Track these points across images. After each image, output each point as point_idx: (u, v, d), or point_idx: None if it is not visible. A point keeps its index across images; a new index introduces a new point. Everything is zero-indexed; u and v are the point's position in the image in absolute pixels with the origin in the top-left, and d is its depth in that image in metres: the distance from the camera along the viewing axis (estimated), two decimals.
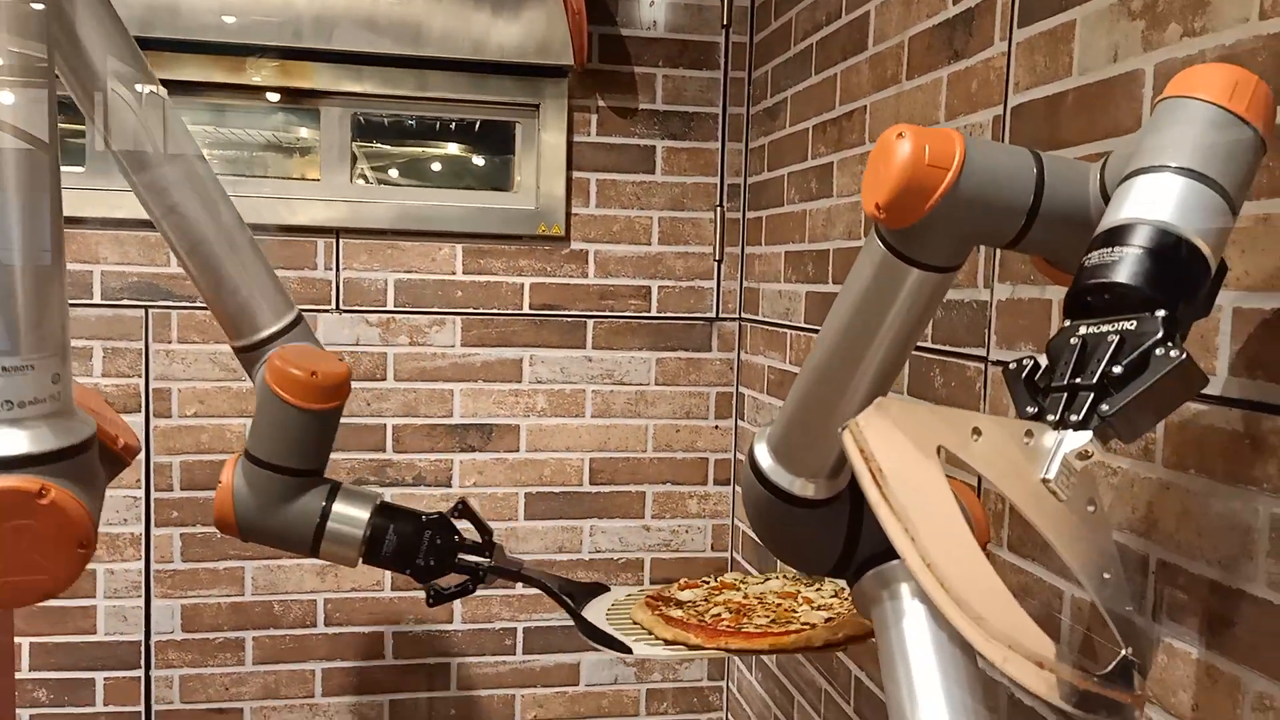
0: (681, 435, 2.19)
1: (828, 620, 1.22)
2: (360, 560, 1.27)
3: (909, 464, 0.58)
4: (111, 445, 1.02)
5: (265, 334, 1.22)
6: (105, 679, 2.00)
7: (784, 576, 1.43)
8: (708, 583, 1.41)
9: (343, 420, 2.02)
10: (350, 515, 1.24)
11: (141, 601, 1.99)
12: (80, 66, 1.11)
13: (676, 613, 1.25)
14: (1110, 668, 0.66)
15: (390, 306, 2.05)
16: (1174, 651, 0.92)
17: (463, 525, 1.29)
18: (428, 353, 2.07)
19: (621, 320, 2.14)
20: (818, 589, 1.36)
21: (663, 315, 2.16)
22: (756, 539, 1.09)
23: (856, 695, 1.61)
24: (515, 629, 2.16)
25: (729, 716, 2.26)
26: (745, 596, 1.34)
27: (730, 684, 2.25)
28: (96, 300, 1.95)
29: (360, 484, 2.06)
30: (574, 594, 1.36)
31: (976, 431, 0.60)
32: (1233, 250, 0.85)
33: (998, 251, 1.24)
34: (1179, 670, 0.91)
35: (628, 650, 1.17)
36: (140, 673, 2.01)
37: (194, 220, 1.19)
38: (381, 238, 2.04)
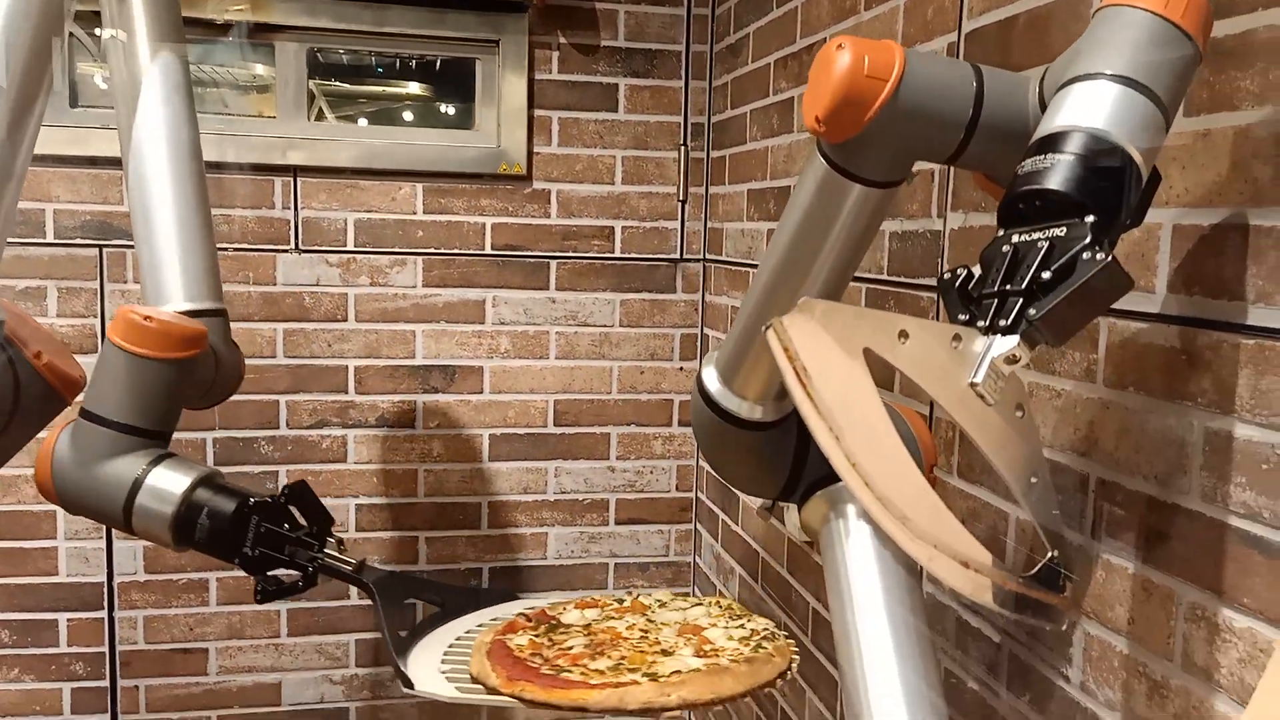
0: (646, 377, 2.19)
1: (692, 670, 1.03)
2: (174, 543, 1.12)
3: (834, 364, 0.58)
4: (37, 363, 0.99)
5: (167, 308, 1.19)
6: (68, 620, 1.99)
7: (716, 604, 1.23)
8: (608, 606, 1.22)
9: (305, 362, 2.01)
10: (164, 489, 1.10)
11: (103, 543, 1.99)
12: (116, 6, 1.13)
13: (521, 641, 1.09)
14: (1036, 570, 0.67)
15: (350, 247, 2.03)
16: (1111, 567, 0.93)
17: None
18: (389, 293, 2.06)
19: (585, 261, 2.13)
20: (732, 627, 1.17)
21: (626, 256, 2.15)
22: (712, 470, 1.09)
23: (815, 628, 1.63)
24: (481, 569, 2.17)
25: (697, 562, 2.29)
26: (640, 625, 1.16)
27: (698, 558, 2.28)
28: (49, 239, 1.91)
29: (321, 426, 2.06)
30: (447, 603, 1.24)
31: (904, 334, 0.60)
32: (1173, 167, 0.85)
33: (950, 180, 1.24)
34: (1116, 585, 0.93)
35: (408, 685, 1.03)
36: (104, 614, 2.01)
37: (153, 177, 1.17)
38: (340, 177, 2.01)
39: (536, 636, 1.12)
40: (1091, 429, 0.96)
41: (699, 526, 2.25)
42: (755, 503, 1.88)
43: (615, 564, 2.24)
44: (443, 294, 2.07)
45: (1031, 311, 0.61)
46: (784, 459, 1.01)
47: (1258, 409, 0.77)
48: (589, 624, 1.16)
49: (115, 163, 1.60)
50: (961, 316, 0.65)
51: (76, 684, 2.01)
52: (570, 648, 1.09)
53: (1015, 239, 0.66)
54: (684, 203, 2.15)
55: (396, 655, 1.11)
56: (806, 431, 1.03)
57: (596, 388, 2.17)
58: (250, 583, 1.06)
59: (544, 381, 2.14)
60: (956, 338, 0.62)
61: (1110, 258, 0.61)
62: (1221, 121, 0.81)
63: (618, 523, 2.23)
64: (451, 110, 2.18)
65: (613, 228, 2.13)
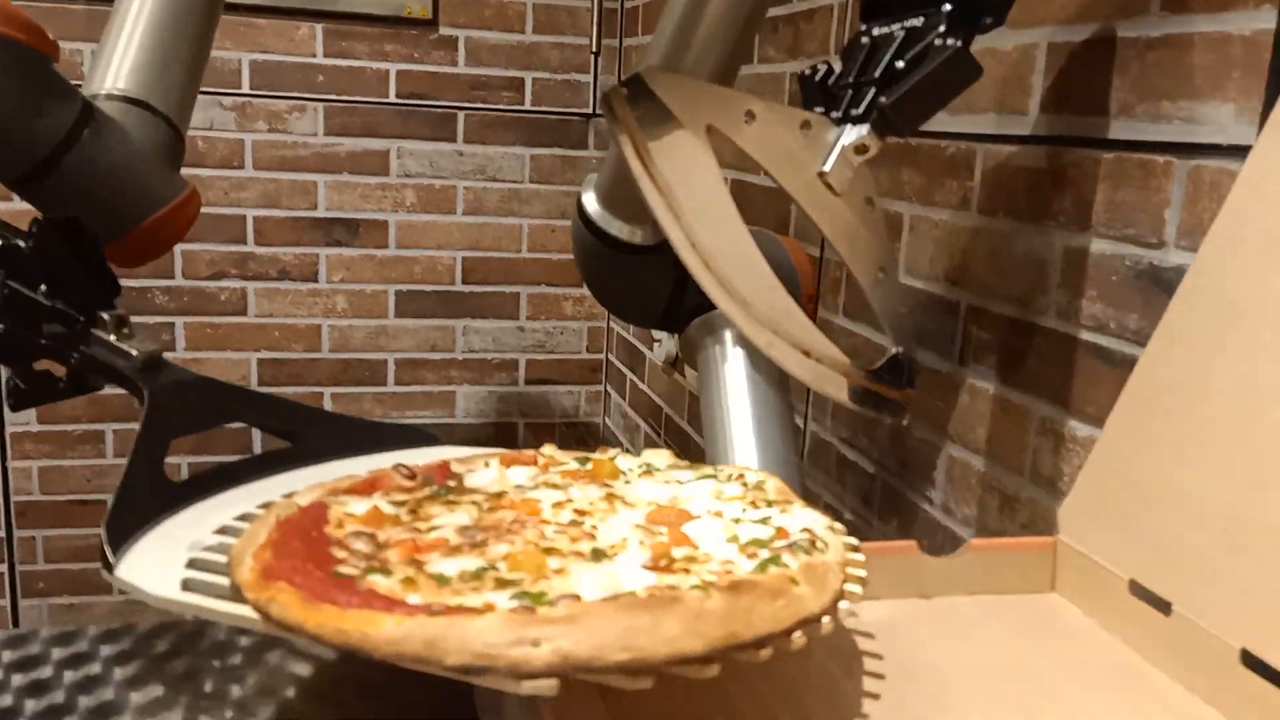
0: (557, 236, 2.16)
1: (605, 598, 0.42)
2: None
3: (676, 139, 0.57)
4: None
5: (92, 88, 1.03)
6: None
7: (740, 480, 0.60)
8: (556, 465, 0.62)
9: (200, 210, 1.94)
10: None
11: None
12: None
13: (356, 509, 0.51)
14: (880, 365, 0.68)
15: (246, 89, 1.94)
16: (975, 390, 0.96)
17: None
18: (288, 141, 1.98)
19: (494, 113, 2.07)
20: (749, 520, 0.54)
21: (537, 110, 2.09)
22: (595, 298, 1.08)
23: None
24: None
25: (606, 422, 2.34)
26: (585, 502, 0.56)
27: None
28: None
29: (219, 278, 2.00)
30: (300, 435, 0.69)
31: (750, 115, 0.59)
32: None
33: (849, 13, 1.21)
34: (979, 407, 0.95)
35: (107, 564, 0.51)
36: None
37: None
38: (234, 13, 1.91)
39: (394, 503, 0.54)
40: (965, 257, 0.97)
41: (609, 388, 2.26)
42: (660, 360, 1.89)
43: (525, 424, 2.25)
44: (345, 143, 2.01)
45: (882, 100, 0.61)
46: (664, 284, 1.00)
47: (1111, 222, 0.78)
48: (501, 493, 0.58)
49: None
50: (818, 109, 0.64)
51: None
52: (434, 528, 0.51)
53: (875, 32, 0.65)
54: (597, 55, 2.09)
55: (124, 510, 0.55)
56: None
57: (506, 246, 2.14)
58: None
59: (451, 238, 2.10)
60: (806, 124, 0.61)
61: (959, 43, 0.60)
62: None
63: (527, 383, 2.23)
64: None
65: (523, 79, 2.07)
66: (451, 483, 0.56)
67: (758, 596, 0.40)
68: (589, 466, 0.58)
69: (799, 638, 0.39)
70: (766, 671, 0.46)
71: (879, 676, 0.51)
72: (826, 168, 0.61)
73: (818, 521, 0.50)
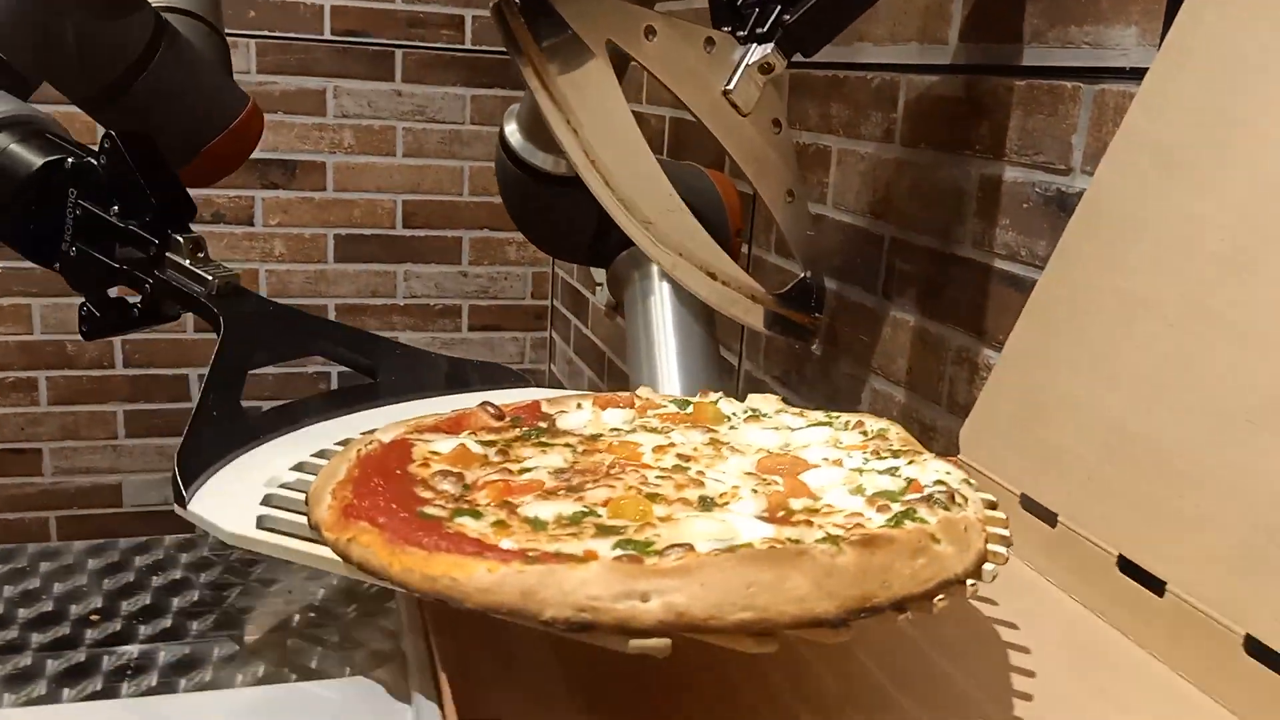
0: None
1: (720, 550, 0.36)
2: None
3: (573, 53, 0.56)
4: None
5: None
6: None
7: (859, 428, 0.54)
8: (655, 409, 0.57)
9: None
10: None
11: None
12: None
13: (441, 447, 0.48)
14: (788, 289, 0.68)
15: None
16: (897, 322, 0.97)
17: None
18: None
19: (433, 52, 2.03)
20: (872, 470, 0.48)
21: (478, 49, 2.06)
22: (521, 231, 1.07)
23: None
24: (328, 373, 2.14)
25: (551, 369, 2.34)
26: (688, 447, 0.51)
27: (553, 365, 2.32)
28: None
29: None
30: (384, 371, 0.66)
31: (651, 30, 0.58)
32: None
33: None
34: (900, 339, 0.96)
35: (180, 498, 0.49)
36: None
37: None
38: None
39: (482, 443, 0.50)
40: (888, 190, 0.98)
41: (554, 334, 2.26)
42: (603, 303, 1.89)
43: None
44: (279, 81, 1.96)
45: (786, 17, 0.60)
46: (590, 217, 0.99)
47: (1023, 150, 0.79)
48: (597, 435, 0.53)
49: None
50: (724, 29, 0.63)
51: None
52: (527, 470, 0.47)
53: None
54: None
55: (198, 443, 0.52)
56: None
57: (447, 189, 2.11)
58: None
59: (391, 180, 2.07)
60: (710, 41, 0.61)
61: None
62: None
63: (471, 329, 2.22)
64: None
65: (463, 17, 2.03)
66: (543, 424, 0.52)
67: (895, 553, 0.35)
68: (689, 410, 0.54)
69: (941, 601, 0.35)
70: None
71: None
72: (731, 86, 0.60)
73: (953, 474, 0.45)
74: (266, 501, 0.45)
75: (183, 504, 0.47)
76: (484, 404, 0.52)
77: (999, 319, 0.82)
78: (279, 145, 1.98)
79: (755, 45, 0.61)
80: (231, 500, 0.46)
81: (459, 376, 0.68)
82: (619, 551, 0.34)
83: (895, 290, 0.97)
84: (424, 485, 0.41)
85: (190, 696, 0.42)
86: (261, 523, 0.43)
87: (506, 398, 0.55)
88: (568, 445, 0.49)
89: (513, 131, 0.98)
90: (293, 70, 1.96)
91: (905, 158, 0.95)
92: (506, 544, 0.35)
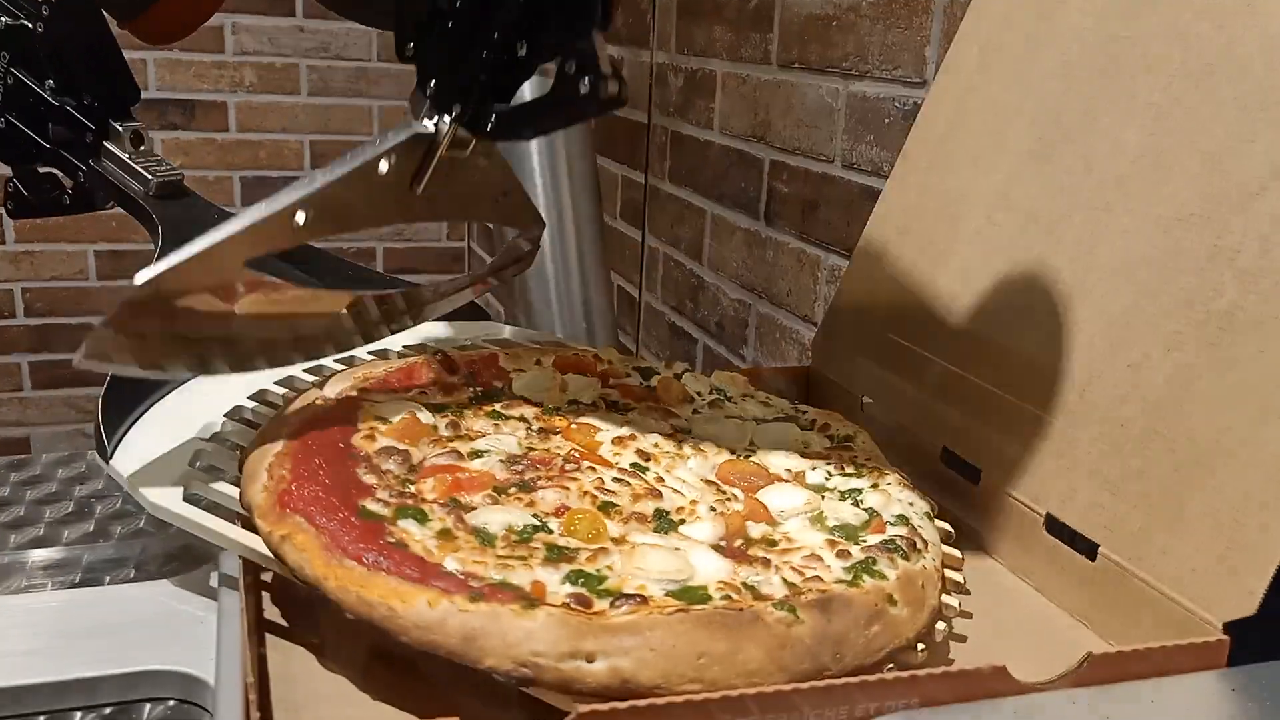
0: None
1: (673, 606, 0.34)
2: None
3: None
4: None
5: None
6: None
7: (823, 429, 0.52)
8: (615, 373, 0.54)
9: None
10: None
11: None
12: None
13: (392, 413, 0.44)
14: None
15: None
16: (778, 245, 0.98)
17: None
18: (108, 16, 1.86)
19: None
20: (834, 496, 0.45)
21: None
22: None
23: None
24: None
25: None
26: (648, 442, 0.47)
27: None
28: None
29: None
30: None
31: None
32: None
33: None
34: (782, 261, 0.97)
35: (103, 450, 0.45)
36: None
37: None
38: None
39: (432, 407, 0.45)
40: (767, 112, 0.98)
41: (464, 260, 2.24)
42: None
43: None
44: None
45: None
46: None
47: (884, 65, 0.79)
48: (555, 409, 0.49)
49: None
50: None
51: None
52: (477, 453, 0.43)
53: None
54: None
55: (124, 382, 0.48)
56: None
57: (356, 128, 2.07)
58: None
59: (296, 120, 2.02)
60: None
61: None
62: None
63: (387, 272, 2.19)
64: None
65: None
66: (498, 384, 0.49)
67: (851, 622, 0.34)
68: (653, 384, 0.52)
69: (889, 672, 0.33)
70: None
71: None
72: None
73: (916, 506, 0.43)
74: (197, 461, 0.41)
75: (105, 456, 0.43)
76: (438, 354, 0.48)
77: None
78: (176, 84, 1.92)
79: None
80: (160, 456, 0.42)
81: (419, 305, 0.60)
82: (569, 588, 0.33)
83: (777, 214, 0.98)
84: (367, 466, 0.39)
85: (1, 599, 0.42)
86: (189, 490, 0.40)
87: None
88: (523, 420, 0.46)
89: None
90: None
91: (782, 79, 0.95)
92: (450, 564, 0.33)
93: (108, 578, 0.46)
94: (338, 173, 0.39)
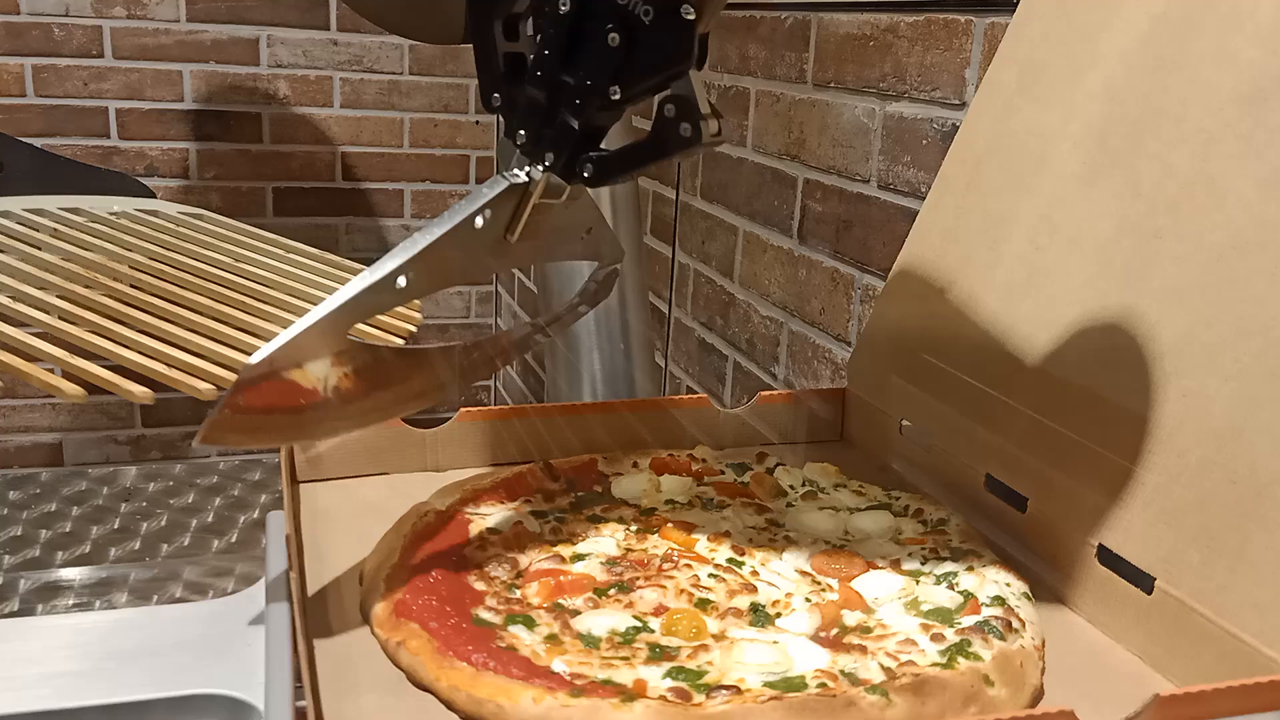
0: (440, 130, 2.11)
1: (768, 695, 0.35)
2: None
3: None
4: None
5: None
6: None
7: (917, 514, 0.52)
8: (712, 475, 0.56)
9: (59, 103, 1.85)
10: None
11: None
12: None
13: (497, 519, 0.48)
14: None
15: None
16: (811, 264, 0.97)
17: None
18: (149, 28, 1.89)
19: None
20: (930, 579, 0.45)
21: None
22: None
23: None
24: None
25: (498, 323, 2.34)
26: (744, 540, 0.48)
27: (498, 319, 2.32)
28: None
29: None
30: (10, 165, 0.64)
31: None
32: None
33: None
34: (814, 280, 0.97)
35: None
36: None
37: None
38: None
39: (536, 515, 0.49)
40: (802, 130, 0.98)
41: (499, 288, 2.25)
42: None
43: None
44: (210, 30, 1.92)
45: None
46: None
47: (922, 86, 0.79)
48: (652, 510, 0.51)
49: None
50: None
51: None
52: (579, 556, 0.46)
53: None
54: None
55: None
56: None
57: (386, 141, 2.08)
58: None
59: (329, 132, 2.04)
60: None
61: None
62: None
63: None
64: None
65: None
66: (598, 488, 0.53)
67: (946, 702, 0.33)
68: (746, 479, 0.55)
69: None
70: None
71: None
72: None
73: (1012, 587, 0.43)
74: None
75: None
76: (544, 464, 0.53)
77: None
78: (213, 97, 1.95)
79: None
80: None
81: (89, 180, 0.71)
82: (670, 683, 0.35)
83: (810, 232, 0.98)
84: (478, 574, 0.42)
85: (44, 619, 0.42)
86: None
87: (136, 206, 0.57)
88: (621, 522, 0.49)
89: None
90: (223, 18, 1.92)
91: (816, 98, 0.95)
92: (558, 665, 0.36)
93: (155, 597, 0.46)
94: (435, 233, 0.40)
